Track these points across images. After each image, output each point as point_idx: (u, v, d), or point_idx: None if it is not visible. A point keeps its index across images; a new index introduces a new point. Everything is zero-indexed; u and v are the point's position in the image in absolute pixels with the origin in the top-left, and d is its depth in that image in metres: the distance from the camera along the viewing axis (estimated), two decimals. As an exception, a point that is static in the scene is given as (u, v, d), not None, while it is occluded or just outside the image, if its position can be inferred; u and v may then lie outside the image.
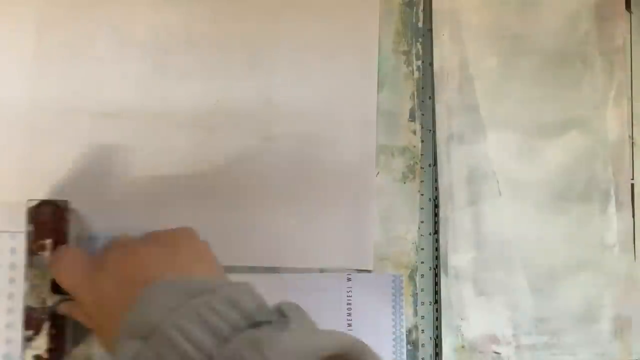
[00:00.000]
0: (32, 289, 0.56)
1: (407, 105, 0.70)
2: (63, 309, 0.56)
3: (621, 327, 0.69)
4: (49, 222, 0.57)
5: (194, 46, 0.67)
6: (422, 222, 0.69)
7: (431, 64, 0.71)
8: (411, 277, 0.69)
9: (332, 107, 0.68)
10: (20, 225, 0.65)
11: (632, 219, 0.71)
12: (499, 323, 0.69)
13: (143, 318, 0.42)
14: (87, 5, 0.66)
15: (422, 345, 0.68)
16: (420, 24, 0.71)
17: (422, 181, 0.70)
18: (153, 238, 0.55)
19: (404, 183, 0.69)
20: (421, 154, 0.70)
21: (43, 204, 0.57)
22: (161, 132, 0.66)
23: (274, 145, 0.67)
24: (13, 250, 0.65)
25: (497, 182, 0.70)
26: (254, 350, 0.38)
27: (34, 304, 0.56)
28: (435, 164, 0.70)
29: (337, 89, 0.68)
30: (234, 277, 0.66)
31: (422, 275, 0.69)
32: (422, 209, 0.69)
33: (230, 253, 0.66)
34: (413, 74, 0.70)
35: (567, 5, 0.71)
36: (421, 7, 0.71)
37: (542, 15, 0.71)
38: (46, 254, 0.56)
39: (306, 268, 0.67)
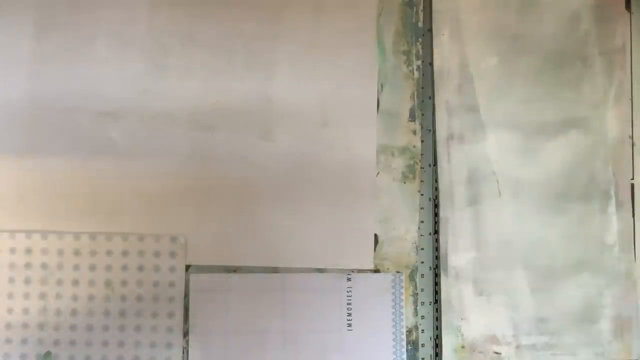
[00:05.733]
0: None
1: (407, 105, 0.70)
2: None
3: (621, 327, 0.69)
4: None
5: (193, 46, 0.67)
6: (422, 222, 0.69)
7: (431, 64, 0.71)
8: (411, 277, 0.69)
9: (332, 107, 0.68)
10: (20, 225, 0.65)
11: (632, 219, 0.70)
12: (499, 323, 0.69)
13: None
14: (87, 5, 0.66)
15: (422, 345, 0.68)
16: (420, 24, 0.71)
17: (422, 181, 0.70)
18: None
19: (404, 183, 0.69)
20: (421, 154, 0.70)
21: None
22: (161, 132, 0.66)
23: (274, 145, 0.67)
24: (13, 250, 0.65)
25: (497, 182, 0.70)
26: None
27: None
28: (435, 164, 0.70)
29: (337, 89, 0.68)
30: (234, 277, 0.67)
31: (422, 275, 0.69)
32: (422, 209, 0.69)
33: (231, 253, 0.66)
34: (413, 74, 0.70)
35: (567, 5, 0.71)
36: (421, 7, 0.71)
37: (542, 15, 0.71)
38: None
39: (306, 268, 0.67)
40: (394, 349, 0.67)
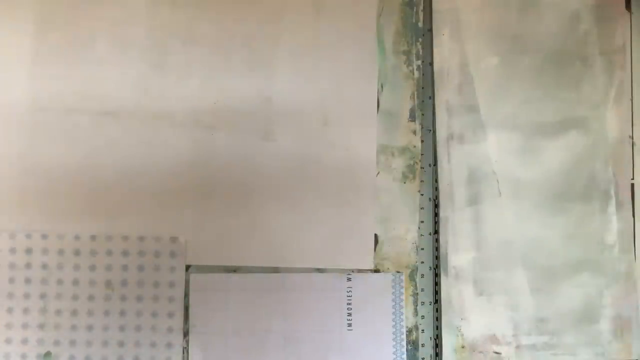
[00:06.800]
0: None
1: (407, 105, 0.70)
2: None
3: (621, 327, 0.69)
4: None
5: (193, 46, 0.67)
6: (422, 222, 0.69)
7: (431, 64, 0.71)
8: (411, 277, 0.69)
9: (332, 107, 0.68)
10: (20, 226, 0.65)
11: (632, 219, 0.70)
12: (499, 323, 0.69)
13: None
14: (87, 5, 0.66)
15: (422, 345, 0.68)
16: (420, 24, 0.71)
17: (422, 181, 0.70)
18: None
19: (404, 183, 0.69)
20: (421, 154, 0.70)
21: None
22: (161, 132, 0.66)
23: (274, 145, 0.67)
24: (13, 250, 0.65)
25: (497, 182, 0.70)
26: None
27: None
28: (435, 164, 0.70)
29: (336, 89, 0.68)
30: (234, 277, 0.67)
31: (422, 275, 0.69)
32: (422, 209, 0.69)
33: (231, 253, 0.66)
34: (413, 74, 0.70)
35: (567, 5, 0.71)
36: (421, 7, 0.71)
37: (542, 15, 0.71)
38: None
39: (306, 268, 0.67)
40: (394, 349, 0.67)
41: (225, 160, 0.67)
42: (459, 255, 0.69)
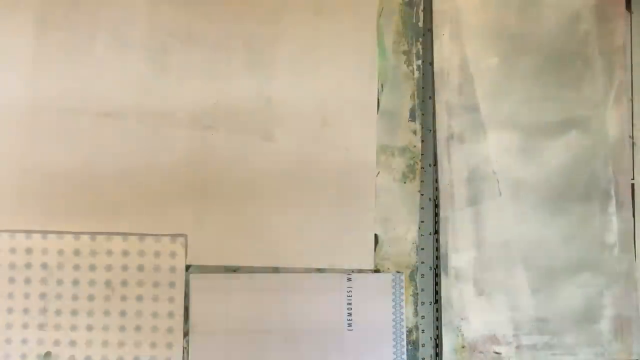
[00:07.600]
0: None
1: (407, 105, 0.70)
2: None
3: (621, 327, 0.69)
4: None
5: (194, 46, 0.67)
6: (422, 222, 0.69)
7: (431, 64, 0.71)
8: (411, 277, 0.69)
9: (332, 107, 0.68)
10: (20, 225, 0.65)
11: (632, 219, 0.70)
12: (499, 323, 0.69)
13: None
14: (87, 5, 0.66)
15: (422, 345, 0.68)
16: (420, 24, 0.71)
17: (422, 181, 0.70)
18: None
19: (404, 183, 0.69)
20: (421, 154, 0.70)
21: None
22: (161, 132, 0.66)
23: (274, 145, 0.67)
24: (13, 250, 0.65)
25: (497, 182, 0.70)
26: None
27: None
28: (435, 164, 0.70)
29: (337, 89, 0.68)
30: (234, 277, 0.67)
31: (423, 275, 0.69)
32: (422, 209, 0.69)
33: (231, 253, 0.66)
34: (413, 74, 0.70)
35: (567, 5, 0.71)
36: (421, 7, 0.71)
37: (542, 15, 0.71)
38: None
39: (306, 268, 0.67)
40: (394, 349, 0.67)
41: (225, 160, 0.67)
42: (459, 255, 0.69)
